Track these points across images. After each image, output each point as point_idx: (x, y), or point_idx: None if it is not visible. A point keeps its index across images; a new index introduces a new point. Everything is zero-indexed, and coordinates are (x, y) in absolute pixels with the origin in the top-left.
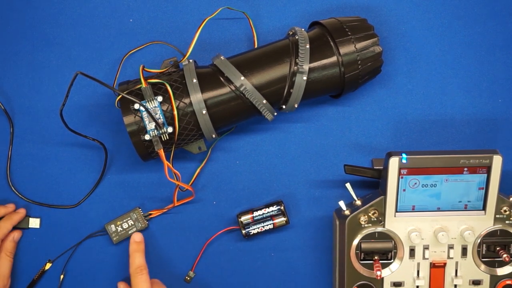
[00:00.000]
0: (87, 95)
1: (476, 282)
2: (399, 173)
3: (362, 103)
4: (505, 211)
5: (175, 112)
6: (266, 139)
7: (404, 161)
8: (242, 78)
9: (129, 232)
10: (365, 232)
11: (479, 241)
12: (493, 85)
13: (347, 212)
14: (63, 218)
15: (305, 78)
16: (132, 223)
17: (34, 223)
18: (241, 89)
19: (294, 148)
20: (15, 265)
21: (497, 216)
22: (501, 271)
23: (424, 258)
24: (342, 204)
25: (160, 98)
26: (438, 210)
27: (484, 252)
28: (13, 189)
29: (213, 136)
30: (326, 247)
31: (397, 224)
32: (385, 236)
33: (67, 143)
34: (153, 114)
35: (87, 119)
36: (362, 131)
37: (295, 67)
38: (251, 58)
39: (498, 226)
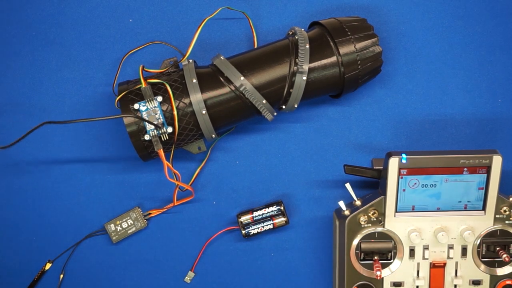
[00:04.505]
0: (87, 95)
1: (476, 282)
2: (399, 173)
3: (362, 103)
4: (505, 211)
5: (175, 112)
6: (266, 139)
7: (404, 161)
8: (242, 78)
9: (128, 231)
10: (365, 232)
11: (479, 241)
12: (493, 85)
13: (347, 212)
14: (62, 218)
15: (304, 78)
16: (132, 222)
17: None
18: (241, 89)
19: (294, 148)
20: (15, 265)
21: (497, 216)
22: (501, 271)
23: (424, 258)
24: (342, 204)
25: (160, 98)
26: (438, 210)
27: (484, 252)
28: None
29: (213, 136)
30: (326, 247)
31: (397, 224)
32: (385, 236)
33: (66, 143)
34: (152, 114)
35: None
36: (362, 131)
37: (295, 67)
38: (251, 58)
39: (498, 226)
